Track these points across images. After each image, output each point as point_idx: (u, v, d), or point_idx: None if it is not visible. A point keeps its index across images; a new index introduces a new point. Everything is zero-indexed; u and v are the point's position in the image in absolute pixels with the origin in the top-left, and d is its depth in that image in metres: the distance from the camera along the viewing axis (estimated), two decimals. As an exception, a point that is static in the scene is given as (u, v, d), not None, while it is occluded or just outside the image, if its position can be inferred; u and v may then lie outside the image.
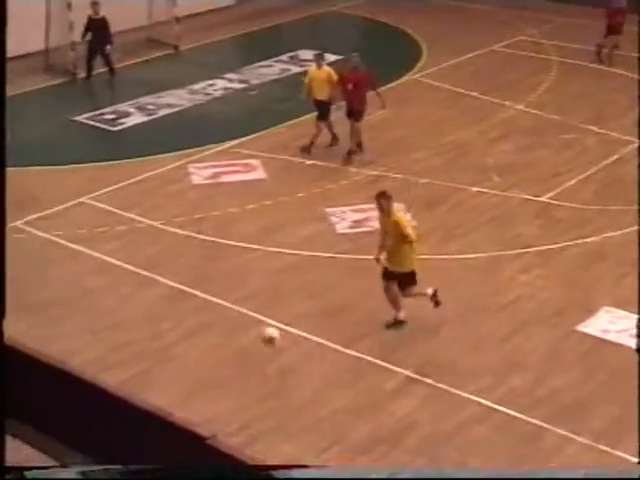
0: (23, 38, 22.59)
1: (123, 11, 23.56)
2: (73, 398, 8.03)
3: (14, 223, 15.81)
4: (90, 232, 15.64)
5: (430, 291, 13.18)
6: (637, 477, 7.73)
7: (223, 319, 13.48)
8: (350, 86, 17.65)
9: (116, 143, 19.42)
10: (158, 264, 14.72)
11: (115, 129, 19.81)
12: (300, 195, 16.87)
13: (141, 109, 20.72)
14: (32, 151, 18.60)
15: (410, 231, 12.90)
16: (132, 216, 16.13)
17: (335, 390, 12.08)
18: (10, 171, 18.57)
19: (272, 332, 11.64)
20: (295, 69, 22.89)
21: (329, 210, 16.35)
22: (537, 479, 7.31)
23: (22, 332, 12.30)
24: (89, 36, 21.80)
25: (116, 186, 17.19)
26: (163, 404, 9.83)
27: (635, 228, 15.38)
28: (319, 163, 18.02)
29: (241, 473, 6.98)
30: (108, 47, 21.77)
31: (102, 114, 20.40)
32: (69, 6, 22.37)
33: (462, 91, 21.47)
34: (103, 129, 19.81)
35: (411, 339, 13.03)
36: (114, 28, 21.99)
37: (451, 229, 15.81)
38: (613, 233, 15.56)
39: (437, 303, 13.19)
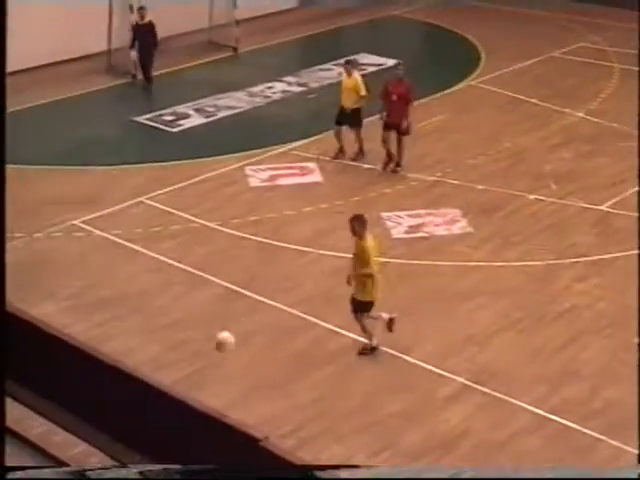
0: (86, 39, 22.97)
1: (184, 13, 23.80)
2: (128, 397, 8.11)
3: (73, 222, 16.04)
4: (147, 232, 15.79)
5: (385, 317, 12.74)
6: (637, 477, 7.67)
7: (276, 321, 13.53)
8: (394, 97, 17.37)
9: (175, 144, 19.57)
10: (213, 265, 14.82)
11: (174, 130, 19.97)
12: (356, 199, 16.87)
13: (200, 111, 20.87)
14: (94, 151, 18.86)
15: (373, 262, 12.49)
16: (189, 217, 16.26)
17: (388, 395, 12.07)
18: (71, 170, 18.90)
19: (224, 336, 10.63)
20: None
21: (385, 214, 16.33)
22: (537, 479, 7.25)
23: (80, 331, 12.50)
24: (136, 43, 21.67)
25: (174, 187, 17.34)
26: (217, 405, 9.91)
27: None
28: (376, 167, 18.00)
29: (294, 475, 7.00)
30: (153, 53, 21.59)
31: (161, 115, 20.59)
32: (131, 8, 22.60)
33: (522, 97, 21.33)
34: (162, 130, 19.99)
35: (466, 346, 12.98)
36: (175, 30, 22.16)
37: (508, 236, 15.72)
38: (673, 243, 15.36)
39: (391, 329, 12.75)
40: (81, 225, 15.96)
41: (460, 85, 22.17)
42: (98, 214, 16.33)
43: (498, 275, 14.63)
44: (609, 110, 20.53)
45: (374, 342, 12.80)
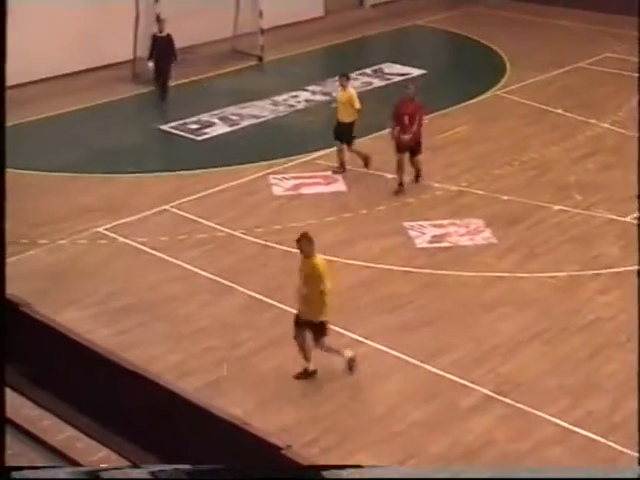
0: (112, 48, 23.13)
1: (209, 22, 23.91)
2: (150, 403, 8.13)
3: (98, 229, 16.12)
4: (172, 240, 15.85)
5: (349, 354, 12.42)
6: (637, 477, 7.63)
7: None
8: (406, 119, 17.16)
9: (199, 152, 19.65)
10: (237, 273, 14.85)
11: (199, 139, 20.05)
12: (380, 208, 16.87)
13: (224, 119, 20.94)
14: (119, 158, 18.97)
15: (326, 279, 12.06)
16: (213, 225, 16.31)
17: (412, 405, 12.04)
18: (96, 178, 18.99)
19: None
20: (378, 83, 22.93)
21: (408, 224, 16.32)
22: (538, 479, 7.21)
23: (106, 338, 12.55)
24: (155, 55, 21.49)
25: (199, 195, 17.40)
26: (240, 412, 9.93)
27: None
28: (400, 177, 17.97)
29: (297, 476, 7.02)
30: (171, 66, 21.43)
31: (186, 123, 20.67)
32: (157, 17, 22.70)
33: (547, 108, 21.27)
34: (187, 138, 20.07)
35: (490, 357, 12.93)
36: (200, 39, 22.23)
37: (533, 247, 15.67)
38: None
39: (351, 368, 12.42)
40: (105, 232, 16.04)
41: (485, 95, 22.15)
42: (123, 221, 16.41)
43: (522, 286, 14.58)
44: (635, 121, 20.42)
45: (311, 366, 12.35)
